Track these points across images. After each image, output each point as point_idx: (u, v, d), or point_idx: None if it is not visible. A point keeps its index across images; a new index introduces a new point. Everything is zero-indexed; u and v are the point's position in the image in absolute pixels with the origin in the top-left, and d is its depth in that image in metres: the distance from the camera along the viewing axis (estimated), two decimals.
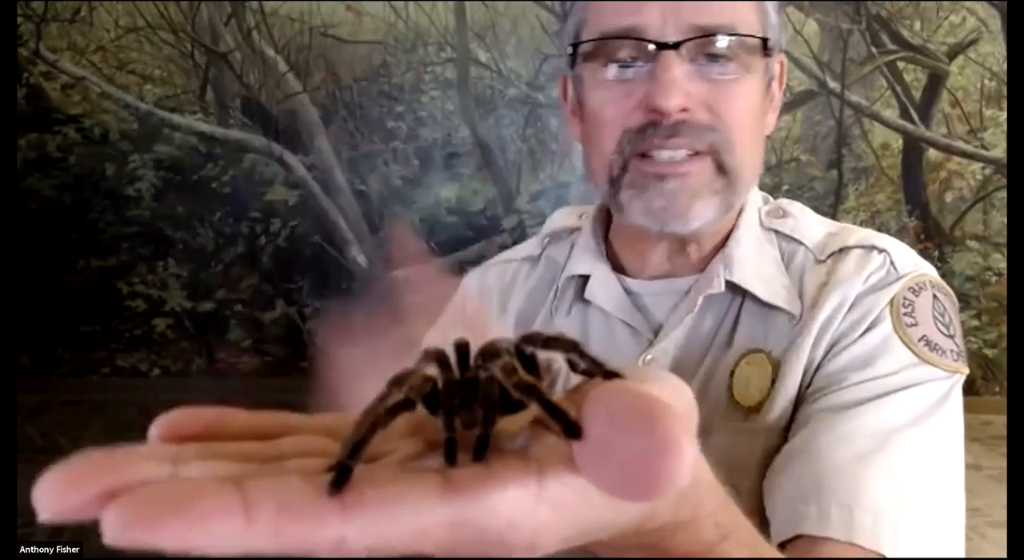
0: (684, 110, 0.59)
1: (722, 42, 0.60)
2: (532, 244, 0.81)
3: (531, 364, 0.27)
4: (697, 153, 0.61)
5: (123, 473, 0.21)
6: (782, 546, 0.53)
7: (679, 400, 0.26)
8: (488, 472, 0.23)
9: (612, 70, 0.61)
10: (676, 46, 0.58)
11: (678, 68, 0.58)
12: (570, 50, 0.65)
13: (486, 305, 0.78)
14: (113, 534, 0.20)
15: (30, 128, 3.27)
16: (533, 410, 0.25)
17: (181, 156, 3.33)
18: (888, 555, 0.51)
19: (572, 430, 0.23)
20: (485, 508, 0.22)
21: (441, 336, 0.77)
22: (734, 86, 0.61)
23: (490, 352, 0.27)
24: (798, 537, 0.52)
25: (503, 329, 0.76)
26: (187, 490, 0.21)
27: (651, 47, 0.59)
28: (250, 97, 3.31)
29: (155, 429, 0.27)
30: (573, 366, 0.27)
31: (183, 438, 0.26)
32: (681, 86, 0.59)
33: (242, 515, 0.21)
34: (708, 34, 0.59)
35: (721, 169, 0.62)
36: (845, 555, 0.51)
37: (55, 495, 0.21)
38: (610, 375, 0.25)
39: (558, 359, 0.27)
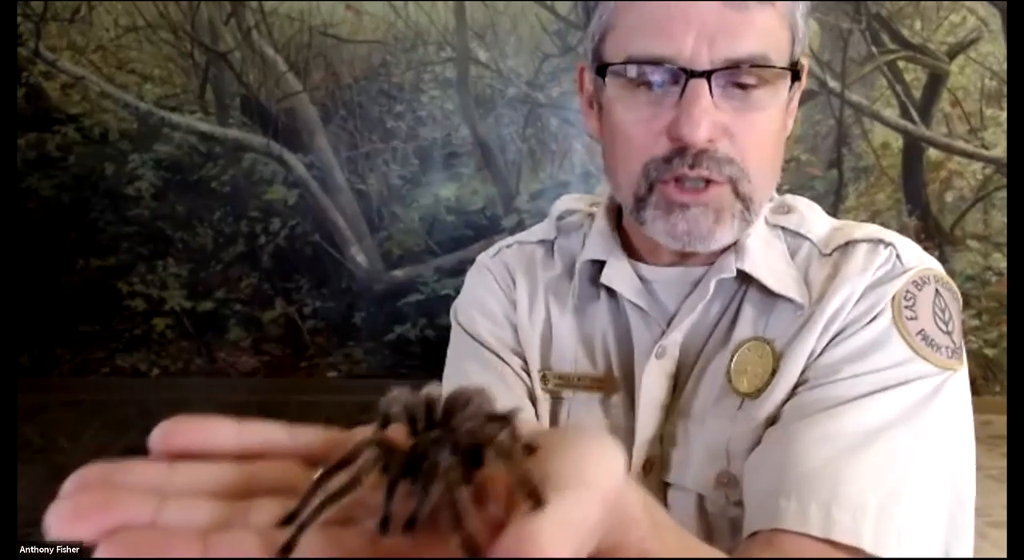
0: (710, 140, 0.60)
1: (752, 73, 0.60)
2: (546, 227, 0.79)
3: (476, 452, 0.29)
4: (715, 182, 0.61)
5: (112, 515, 0.26)
6: (754, 535, 0.55)
7: (594, 475, 0.28)
8: (411, 547, 0.26)
9: (641, 94, 0.61)
10: (707, 75, 0.58)
11: (707, 98, 0.58)
12: (593, 55, 0.65)
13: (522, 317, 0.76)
14: None
15: (30, 128, 3.27)
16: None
17: (181, 156, 3.33)
18: (868, 550, 0.52)
19: (472, 552, 0.25)
20: None
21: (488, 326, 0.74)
22: (757, 115, 0.61)
23: (450, 413, 0.30)
24: (773, 529, 0.54)
25: (535, 307, 0.74)
26: (159, 542, 0.26)
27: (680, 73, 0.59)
28: (250, 96, 3.31)
29: (154, 438, 0.30)
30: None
31: (176, 450, 0.30)
32: (709, 116, 0.59)
33: None
34: (740, 65, 0.59)
35: (738, 195, 0.62)
36: (823, 552, 0.52)
37: (62, 526, 0.26)
38: (533, 494, 0.26)
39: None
